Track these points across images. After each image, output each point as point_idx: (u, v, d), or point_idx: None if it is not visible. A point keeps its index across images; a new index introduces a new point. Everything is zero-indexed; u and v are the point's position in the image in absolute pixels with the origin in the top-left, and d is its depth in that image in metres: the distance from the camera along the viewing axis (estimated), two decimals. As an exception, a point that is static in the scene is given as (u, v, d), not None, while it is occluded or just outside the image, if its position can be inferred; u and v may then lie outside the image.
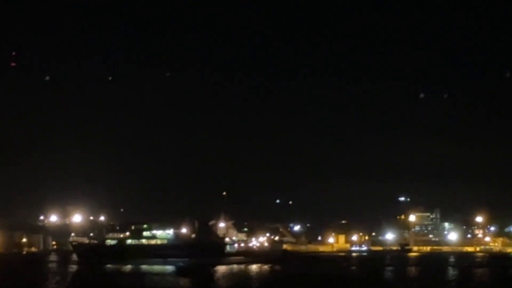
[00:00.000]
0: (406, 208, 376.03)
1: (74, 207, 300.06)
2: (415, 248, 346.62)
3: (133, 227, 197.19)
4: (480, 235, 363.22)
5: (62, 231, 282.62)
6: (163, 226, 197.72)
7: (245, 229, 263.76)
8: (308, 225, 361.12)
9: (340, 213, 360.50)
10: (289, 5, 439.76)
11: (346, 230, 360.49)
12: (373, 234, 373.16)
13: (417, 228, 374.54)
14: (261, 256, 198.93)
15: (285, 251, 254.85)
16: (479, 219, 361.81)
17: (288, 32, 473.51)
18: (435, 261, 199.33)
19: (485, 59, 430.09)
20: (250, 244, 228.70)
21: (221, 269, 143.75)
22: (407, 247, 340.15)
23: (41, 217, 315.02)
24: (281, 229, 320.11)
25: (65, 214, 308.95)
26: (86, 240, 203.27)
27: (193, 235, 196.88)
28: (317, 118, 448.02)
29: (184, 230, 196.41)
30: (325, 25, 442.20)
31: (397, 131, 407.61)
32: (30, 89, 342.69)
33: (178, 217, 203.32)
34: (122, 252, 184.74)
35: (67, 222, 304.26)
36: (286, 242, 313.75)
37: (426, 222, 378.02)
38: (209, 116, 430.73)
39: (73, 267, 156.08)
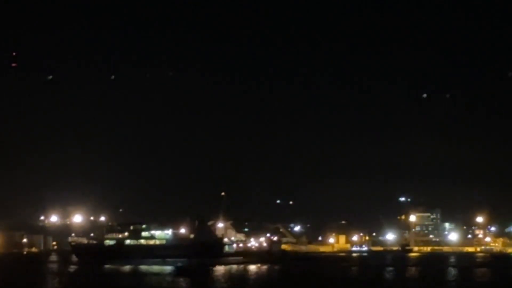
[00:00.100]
0: (406, 208, 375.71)
1: (74, 208, 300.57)
2: (416, 249, 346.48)
3: (131, 227, 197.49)
4: (480, 236, 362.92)
5: (63, 232, 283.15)
6: (161, 226, 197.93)
7: (246, 229, 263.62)
8: (308, 225, 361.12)
9: (340, 213, 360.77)
10: (289, 5, 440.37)
11: (346, 231, 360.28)
12: (374, 234, 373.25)
13: (417, 228, 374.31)
14: (260, 256, 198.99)
15: (284, 251, 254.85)
16: (479, 219, 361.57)
17: (288, 32, 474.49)
18: (435, 262, 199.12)
19: (486, 59, 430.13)
20: (249, 244, 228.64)
21: (220, 269, 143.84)
22: (407, 248, 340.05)
23: (42, 218, 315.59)
24: (281, 229, 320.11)
25: (65, 215, 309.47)
26: (85, 241, 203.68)
27: (192, 235, 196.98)
28: (318, 118, 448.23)
29: (182, 230, 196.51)
30: (325, 25, 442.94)
31: (398, 131, 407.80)
32: (30, 90, 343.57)
33: (177, 217, 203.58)
34: (120, 252, 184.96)
35: (68, 223, 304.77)
36: (287, 243, 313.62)
37: (426, 222, 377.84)
38: (209, 116, 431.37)
39: (72, 268, 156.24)
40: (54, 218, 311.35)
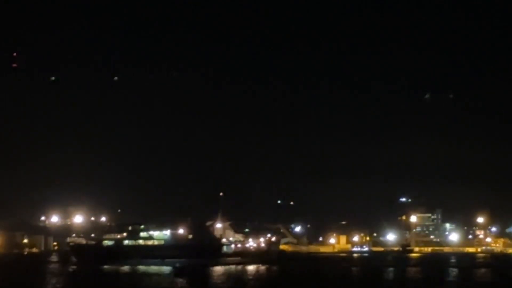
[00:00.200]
0: (407, 209, 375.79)
1: (75, 208, 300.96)
2: (416, 249, 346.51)
3: (130, 228, 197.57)
4: (481, 236, 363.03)
5: (63, 232, 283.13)
6: (160, 226, 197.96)
7: (246, 230, 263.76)
8: (309, 226, 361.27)
9: (341, 213, 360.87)
10: (289, 5, 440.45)
11: (347, 231, 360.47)
12: (374, 234, 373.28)
13: (418, 228, 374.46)
14: (258, 256, 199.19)
15: (282, 251, 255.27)
16: (480, 219, 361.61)
17: (288, 32, 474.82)
18: (436, 262, 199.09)
19: (486, 59, 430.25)
20: (247, 245, 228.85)
21: (218, 269, 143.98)
22: (408, 248, 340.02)
23: (43, 218, 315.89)
24: (282, 230, 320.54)
25: (66, 215, 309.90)
26: (83, 241, 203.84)
27: (190, 236, 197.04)
28: (318, 118, 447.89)
29: (181, 231, 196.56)
30: (325, 25, 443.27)
31: (398, 131, 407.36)
32: (31, 90, 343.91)
33: (176, 218, 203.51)
34: (119, 252, 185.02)
35: (68, 223, 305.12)
36: (288, 243, 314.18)
37: (427, 223, 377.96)
38: (208, 116, 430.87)
39: (71, 268, 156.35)
40: (55, 219, 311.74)
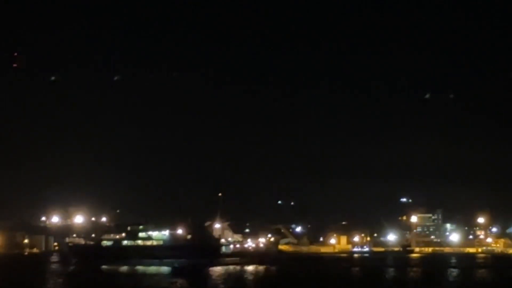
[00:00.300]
0: (407, 209, 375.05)
1: (76, 208, 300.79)
2: (417, 249, 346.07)
3: (129, 228, 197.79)
4: (482, 236, 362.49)
5: (64, 232, 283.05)
6: (158, 227, 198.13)
7: (247, 230, 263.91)
8: (309, 226, 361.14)
9: (341, 214, 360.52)
10: (289, 5, 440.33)
11: (347, 231, 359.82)
12: (375, 235, 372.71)
13: (418, 229, 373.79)
14: (257, 257, 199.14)
15: (281, 252, 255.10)
16: (481, 220, 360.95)
17: (288, 32, 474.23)
18: (437, 262, 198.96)
19: (486, 59, 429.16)
20: (246, 245, 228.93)
21: (216, 270, 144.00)
22: (408, 248, 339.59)
23: (43, 218, 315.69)
24: (282, 230, 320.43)
25: (67, 215, 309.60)
26: (82, 241, 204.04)
27: (189, 236, 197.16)
28: (318, 118, 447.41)
29: (179, 231, 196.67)
30: (325, 25, 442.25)
31: (398, 132, 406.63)
32: (31, 90, 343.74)
33: (175, 218, 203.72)
34: (118, 253, 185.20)
35: (69, 223, 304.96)
36: (288, 243, 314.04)
37: (428, 223, 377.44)
38: (208, 116, 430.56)
39: (69, 268, 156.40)
40: (55, 219, 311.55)
